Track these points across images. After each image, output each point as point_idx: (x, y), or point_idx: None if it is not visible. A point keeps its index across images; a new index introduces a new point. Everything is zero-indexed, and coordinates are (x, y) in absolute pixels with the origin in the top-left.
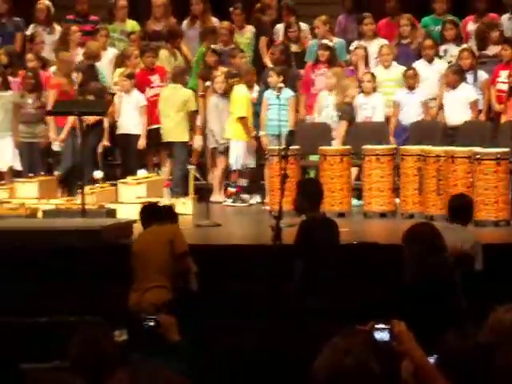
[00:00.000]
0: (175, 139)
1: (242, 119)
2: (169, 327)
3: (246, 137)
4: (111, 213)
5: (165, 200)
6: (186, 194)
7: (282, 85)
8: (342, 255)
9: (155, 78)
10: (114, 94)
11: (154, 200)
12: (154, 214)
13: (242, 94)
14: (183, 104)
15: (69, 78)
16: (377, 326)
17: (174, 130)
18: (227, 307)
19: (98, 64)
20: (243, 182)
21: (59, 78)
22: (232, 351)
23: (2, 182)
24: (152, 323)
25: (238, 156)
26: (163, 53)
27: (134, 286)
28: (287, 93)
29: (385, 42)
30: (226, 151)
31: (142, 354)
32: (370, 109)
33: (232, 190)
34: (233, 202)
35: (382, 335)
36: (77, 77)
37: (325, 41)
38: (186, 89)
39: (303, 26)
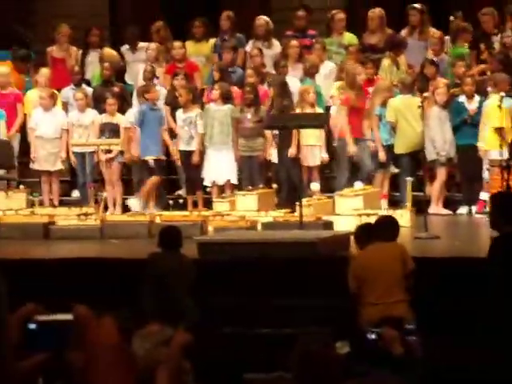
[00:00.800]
0: (413, 149)
1: (498, 129)
2: (391, 340)
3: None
4: (328, 225)
5: (382, 212)
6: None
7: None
8: None
9: None
10: (329, 107)
11: (370, 212)
12: (371, 232)
13: (496, 103)
14: (420, 114)
15: (358, 90)
16: None
17: (416, 140)
18: (450, 322)
19: (316, 77)
20: None
21: (348, 92)
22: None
23: (223, 194)
24: (373, 336)
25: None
26: (386, 61)
27: (368, 300)
28: (508, 102)
29: None
30: (447, 163)
31: (365, 367)
32: None
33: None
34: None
35: None
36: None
37: None
38: (417, 98)
39: None
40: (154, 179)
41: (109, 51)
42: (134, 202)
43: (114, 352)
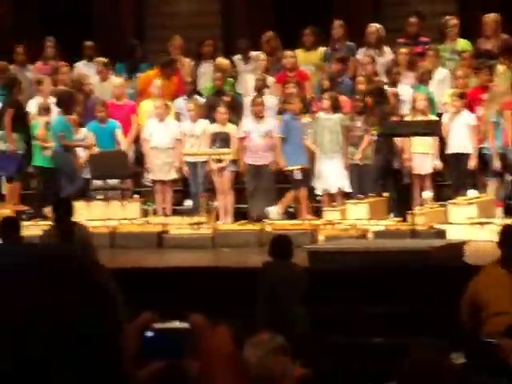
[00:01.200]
0: None
1: None
2: (509, 351)
3: None
4: (441, 234)
5: (497, 221)
6: None
7: None
8: None
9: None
10: (441, 114)
11: (484, 220)
12: None
13: None
14: None
15: None
16: None
17: None
18: None
19: (429, 84)
20: None
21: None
22: None
23: (334, 203)
24: (491, 347)
25: None
26: (501, 67)
27: (493, 311)
28: None
29: None
30: None
31: (482, 378)
32: None
33: None
34: None
35: None
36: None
37: None
38: None
39: None
40: (302, 192)
41: (222, 61)
42: (272, 210)
43: (229, 361)
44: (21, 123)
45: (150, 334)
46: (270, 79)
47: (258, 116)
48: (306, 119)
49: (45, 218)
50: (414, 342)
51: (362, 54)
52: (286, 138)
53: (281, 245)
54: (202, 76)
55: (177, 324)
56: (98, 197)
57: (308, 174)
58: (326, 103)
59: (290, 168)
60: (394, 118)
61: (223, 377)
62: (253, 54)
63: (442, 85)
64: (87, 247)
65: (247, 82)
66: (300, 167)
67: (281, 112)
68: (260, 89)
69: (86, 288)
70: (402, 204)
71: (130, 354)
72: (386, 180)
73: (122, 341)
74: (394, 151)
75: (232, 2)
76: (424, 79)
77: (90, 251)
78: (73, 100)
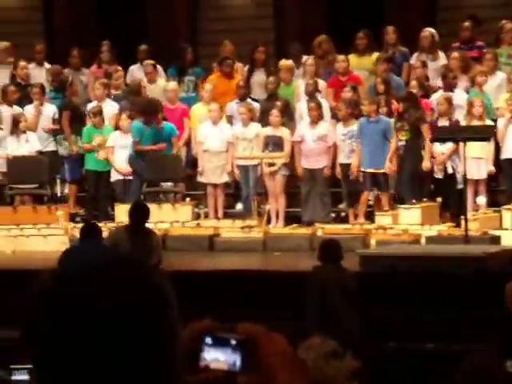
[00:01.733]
0: None
1: None
2: None
3: None
4: (495, 240)
5: None
6: None
7: None
8: None
9: None
10: (495, 120)
11: None
12: None
13: None
14: None
15: None
16: None
17: None
18: None
19: (486, 89)
20: None
21: None
22: None
23: (385, 207)
24: None
25: None
26: None
27: None
28: None
29: None
30: None
31: None
32: None
33: None
34: None
35: None
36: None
37: None
38: None
39: None
40: (365, 195)
41: (287, 62)
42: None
43: (290, 366)
44: (77, 125)
45: (208, 340)
46: (322, 83)
47: (314, 121)
48: (356, 124)
49: (97, 219)
50: (469, 349)
51: (415, 59)
52: (363, 140)
53: (329, 249)
54: (253, 83)
55: (233, 335)
56: (151, 199)
57: (386, 177)
58: (384, 110)
59: (365, 170)
60: (425, 124)
61: (285, 380)
62: (304, 58)
63: (498, 89)
64: (155, 251)
65: (298, 87)
66: (374, 171)
67: (334, 116)
68: (311, 93)
69: (145, 291)
70: (455, 209)
71: (186, 358)
72: (417, 186)
73: (177, 343)
74: (421, 157)
75: (284, 7)
76: (478, 84)
77: (157, 255)
78: (157, 111)
